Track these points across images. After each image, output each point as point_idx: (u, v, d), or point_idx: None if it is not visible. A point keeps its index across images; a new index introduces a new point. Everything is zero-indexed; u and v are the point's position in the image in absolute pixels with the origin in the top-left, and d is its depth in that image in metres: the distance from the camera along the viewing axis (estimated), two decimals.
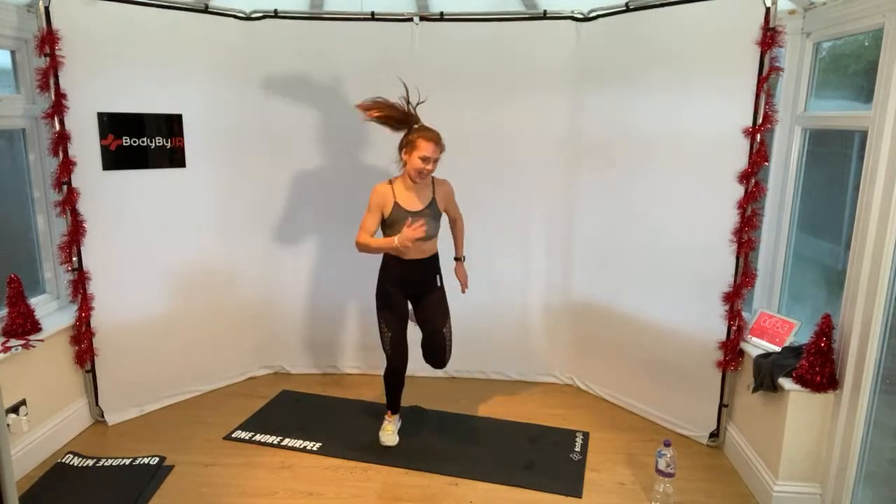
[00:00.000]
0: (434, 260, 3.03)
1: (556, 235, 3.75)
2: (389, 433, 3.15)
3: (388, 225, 2.88)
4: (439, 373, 3.91)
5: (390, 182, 2.89)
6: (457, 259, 3.18)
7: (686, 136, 3.10)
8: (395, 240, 2.73)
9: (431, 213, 2.91)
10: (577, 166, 3.62)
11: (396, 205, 2.85)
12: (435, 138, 2.79)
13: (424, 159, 2.76)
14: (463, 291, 3.12)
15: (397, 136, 3.66)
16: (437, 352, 3.05)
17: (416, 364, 3.98)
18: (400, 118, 2.86)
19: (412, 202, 2.87)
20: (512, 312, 3.87)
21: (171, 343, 3.53)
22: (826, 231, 2.97)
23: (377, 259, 3.79)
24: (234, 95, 3.58)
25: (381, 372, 3.96)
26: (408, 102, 2.87)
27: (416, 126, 2.87)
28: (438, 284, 3.06)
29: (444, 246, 3.11)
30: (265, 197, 3.79)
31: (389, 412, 3.22)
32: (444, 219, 3.10)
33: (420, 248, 2.91)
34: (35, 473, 2.85)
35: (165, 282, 3.47)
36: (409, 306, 3.11)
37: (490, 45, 3.58)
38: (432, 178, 2.95)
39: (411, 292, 3.04)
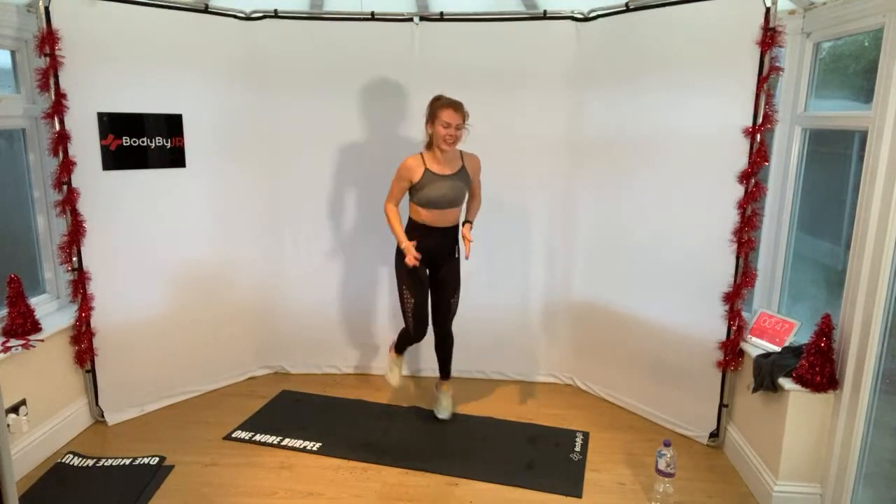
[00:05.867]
0: (455, 231, 3.16)
1: (556, 235, 3.75)
2: (396, 373, 3.37)
3: (418, 189, 3.00)
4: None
5: (420, 154, 3.02)
6: (465, 222, 3.20)
7: (686, 136, 3.10)
8: (403, 243, 2.99)
9: (461, 177, 3.04)
10: (577, 166, 3.62)
11: (427, 170, 2.98)
12: (454, 105, 2.93)
13: (446, 125, 2.89)
14: (466, 257, 3.14)
15: (396, 137, 3.68)
16: (441, 318, 3.22)
17: (420, 364, 4.00)
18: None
19: (443, 169, 3.00)
20: (512, 312, 3.87)
21: (171, 343, 3.53)
22: (826, 231, 2.97)
23: (376, 259, 3.80)
24: (234, 95, 3.58)
25: (382, 371, 3.99)
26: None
27: (436, 99, 2.99)
28: (456, 255, 3.18)
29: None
30: (265, 197, 3.79)
31: (397, 353, 3.38)
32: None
33: (445, 217, 3.05)
34: (35, 473, 2.85)
35: (165, 282, 3.47)
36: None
37: (490, 45, 3.57)
38: (461, 152, 3.07)
39: (431, 260, 3.14)
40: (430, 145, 3.03)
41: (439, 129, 2.90)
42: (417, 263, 2.98)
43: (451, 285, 3.18)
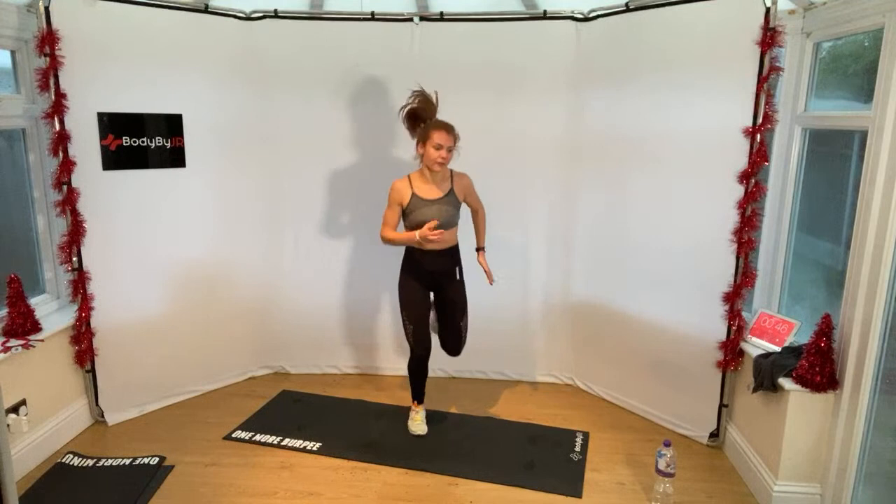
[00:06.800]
0: (454, 251, 3.12)
1: (556, 235, 3.75)
2: (419, 422, 3.28)
3: (407, 214, 2.99)
4: (440, 373, 3.93)
5: (408, 177, 3.01)
6: (478, 249, 3.23)
7: (686, 136, 3.10)
8: (416, 234, 2.89)
9: (450, 200, 3.01)
10: (577, 166, 3.62)
11: (414, 195, 2.97)
12: (446, 127, 2.91)
13: (438, 147, 2.88)
14: (490, 282, 3.16)
15: (396, 137, 3.68)
16: (453, 343, 3.21)
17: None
18: (425, 107, 2.97)
19: (430, 192, 2.99)
20: (512, 312, 3.87)
21: (171, 343, 3.53)
22: (826, 231, 2.97)
23: (376, 259, 3.80)
24: (234, 95, 3.58)
25: (381, 371, 4.01)
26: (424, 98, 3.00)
27: (429, 121, 2.96)
28: (458, 277, 3.16)
29: (465, 246, 3.14)
30: (265, 197, 3.79)
31: (415, 402, 3.32)
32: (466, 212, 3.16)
33: (440, 238, 3.01)
34: (35, 473, 2.85)
35: (165, 282, 3.47)
36: (432, 318, 3.21)
37: (490, 45, 3.58)
38: (451, 171, 3.05)
39: (432, 284, 3.13)
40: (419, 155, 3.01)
41: (430, 150, 2.88)
42: (443, 236, 2.90)
43: (458, 308, 3.14)
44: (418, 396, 3.30)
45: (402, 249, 3.10)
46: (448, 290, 3.13)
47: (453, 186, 3.04)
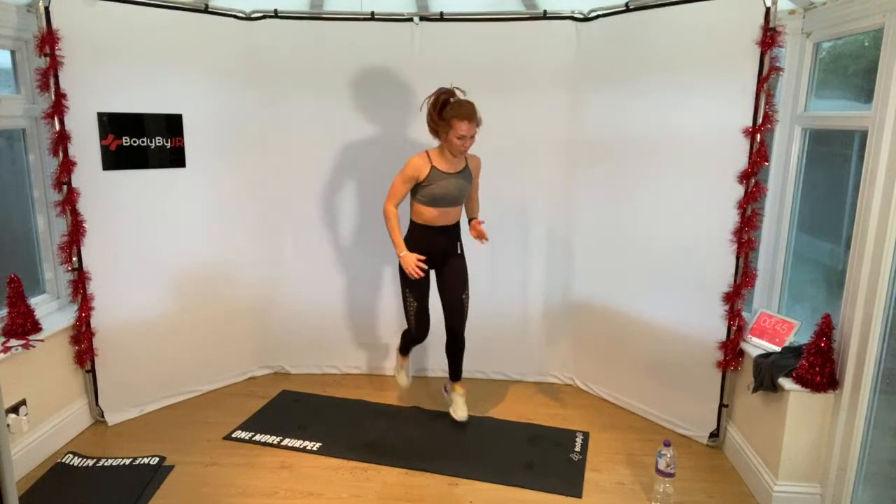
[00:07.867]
0: (458, 228, 3.17)
1: (556, 235, 3.76)
2: (405, 375, 3.43)
3: (424, 186, 2.99)
4: (439, 372, 3.92)
5: (426, 153, 3.01)
6: (472, 219, 3.20)
7: (686, 136, 3.10)
8: (402, 251, 2.97)
9: (465, 176, 3.05)
10: (577, 166, 3.62)
11: (434, 168, 2.96)
12: (469, 115, 2.84)
13: (461, 138, 2.86)
14: (484, 241, 3.12)
15: (396, 137, 3.68)
16: (456, 318, 3.19)
17: (425, 363, 3.99)
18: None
19: (448, 167, 3.00)
20: (512, 312, 3.87)
21: (171, 343, 3.53)
22: (826, 231, 2.97)
23: (376, 259, 3.80)
24: (234, 95, 3.58)
25: (381, 371, 4.00)
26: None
27: (449, 103, 2.88)
28: (459, 252, 3.19)
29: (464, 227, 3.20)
30: (265, 196, 3.79)
31: (403, 355, 3.42)
32: None
33: (447, 215, 3.05)
34: (35, 473, 2.85)
35: (165, 282, 3.47)
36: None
37: (490, 45, 3.57)
38: None
39: (435, 260, 3.13)
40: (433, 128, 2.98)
41: (453, 140, 2.85)
42: (422, 274, 2.96)
43: (460, 282, 3.17)
44: (406, 351, 3.39)
45: (406, 228, 3.11)
46: (450, 265, 3.16)
47: (468, 164, 3.07)
